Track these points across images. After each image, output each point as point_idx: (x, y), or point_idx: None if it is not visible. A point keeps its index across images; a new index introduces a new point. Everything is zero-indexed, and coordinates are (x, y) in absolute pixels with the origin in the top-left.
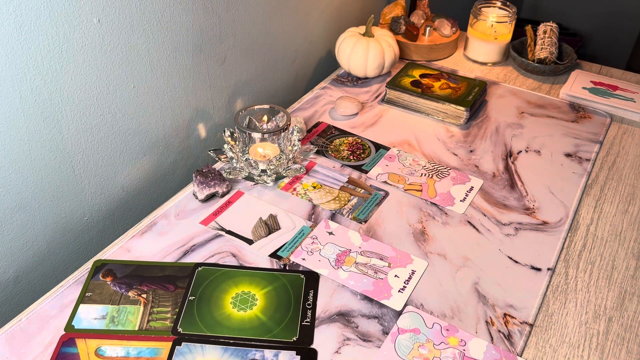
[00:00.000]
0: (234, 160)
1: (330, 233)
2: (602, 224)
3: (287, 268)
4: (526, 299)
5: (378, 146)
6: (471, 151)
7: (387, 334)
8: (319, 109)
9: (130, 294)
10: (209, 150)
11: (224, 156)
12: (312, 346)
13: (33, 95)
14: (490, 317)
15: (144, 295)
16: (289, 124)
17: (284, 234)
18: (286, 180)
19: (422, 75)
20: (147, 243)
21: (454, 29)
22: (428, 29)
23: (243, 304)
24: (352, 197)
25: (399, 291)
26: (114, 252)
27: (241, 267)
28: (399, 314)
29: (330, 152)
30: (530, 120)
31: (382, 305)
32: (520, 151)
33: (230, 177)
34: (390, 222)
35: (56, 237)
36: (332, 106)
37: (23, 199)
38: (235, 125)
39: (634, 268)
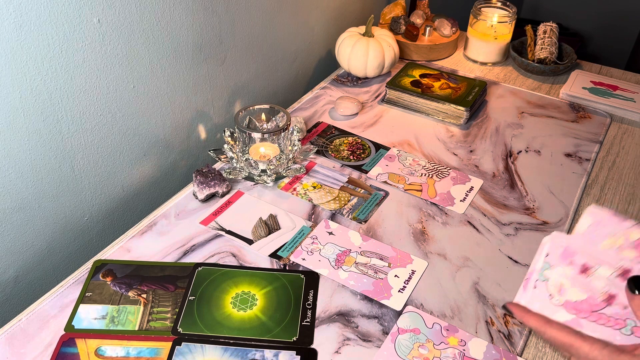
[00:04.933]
0: (234, 160)
1: (330, 233)
2: None
3: (287, 268)
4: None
5: (378, 146)
6: (471, 151)
7: (387, 334)
8: (319, 109)
9: (130, 294)
10: (209, 150)
11: (224, 156)
12: (312, 346)
13: (33, 95)
14: (490, 317)
15: (144, 295)
16: (289, 124)
17: (284, 234)
18: (286, 180)
19: (422, 75)
20: (147, 243)
21: (454, 29)
22: (428, 29)
23: (243, 304)
24: (352, 197)
25: (399, 291)
26: (114, 252)
27: (241, 267)
28: (399, 314)
29: (330, 152)
30: (530, 120)
31: (382, 305)
32: (520, 151)
33: (230, 177)
34: (390, 222)
35: (56, 237)
36: (332, 106)
37: (23, 199)
38: (235, 125)
39: None
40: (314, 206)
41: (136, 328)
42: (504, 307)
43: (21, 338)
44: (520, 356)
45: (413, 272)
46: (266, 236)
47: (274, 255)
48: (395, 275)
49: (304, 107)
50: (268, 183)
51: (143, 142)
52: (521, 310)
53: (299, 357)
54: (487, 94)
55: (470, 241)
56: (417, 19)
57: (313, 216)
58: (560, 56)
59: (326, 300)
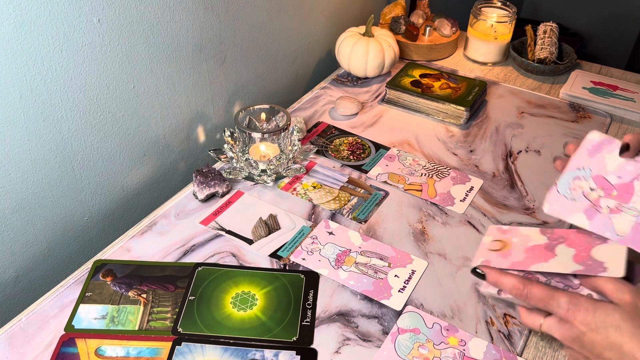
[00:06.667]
0: (234, 160)
1: (330, 233)
2: None
3: (287, 268)
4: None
5: (378, 146)
6: (471, 151)
7: (387, 334)
8: (319, 109)
9: (130, 294)
10: (209, 150)
11: (224, 156)
12: (312, 346)
13: (33, 95)
14: (490, 317)
15: (144, 295)
16: (289, 124)
17: (284, 234)
18: (286, 180)
19: (422, 75)
20: (147, 243)
21: (454, 29)
22: (428, 29)
23: (243, 304)
24: (352, 197)
25: (399, 291)
26: (114, 252)
27: (241, 267)
28: (399, 313)
29: (330, 152)
30: (530, 120)
31: (382, 305)
32: (520, 151)
33: (230, 177)
34: (390, 222)
35: (56, 237)
36: (332, 106)
37: (23, 199)
38: (235, 125)
39: None
40: (314, 206)
41: (136, 328)
42: (474, 270)
43: (21, 338)
44: (520, 356)
45: (413, 272)
46: (266, 236)
47: (274, 255)
48: (395, 275)
49: (304, 107)
50: (268, 183)
51: (143, 142)
52: (496, 273)
53: (299, 357)
54: (487, 94)
55: (470, 241)
56: (417, 19)
57: (313, 216)
58: (560, 56)
59: (326, 300)
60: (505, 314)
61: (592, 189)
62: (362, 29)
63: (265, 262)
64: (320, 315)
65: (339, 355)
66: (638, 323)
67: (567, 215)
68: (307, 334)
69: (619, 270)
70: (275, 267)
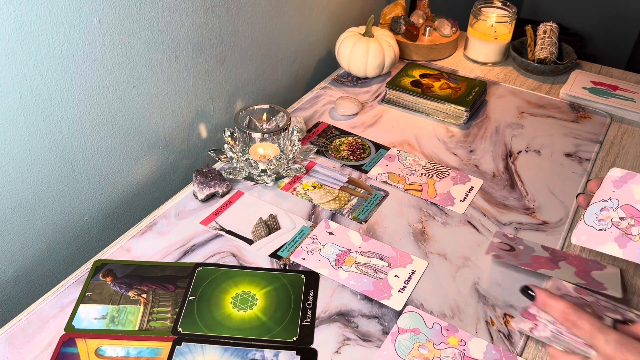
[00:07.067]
0: (234, 160)
1: (330, 233)
2: None
3: (287, 268)
4: (526, 298)
5: (378, 146)
6: (471, 151)
7: (387, 333)
8: (319, 109)
9: (130, 294)
10: (209, 150)
11: (224, 156)
12: (312, 346)
13: (33, 95)
14: (490, 317)
15: (144, 295)
16: (289, 124)
17: (284, 234)
18: (286, 180)
19: (422, 75)
20: (147, 243)
21: (454, 29)
22: (428, 29)
23: (243, 304)
24: (352, 197)
25: (399, 291)
26: (114, 252)
27: (241, 267)
28: (399, 313)
29: (330, 152)
30: (530, 120)
31: (382, 305)
32: (520, 151)
33: (230, 177)
34: (390, 222)
35: (56, 237)
36: (332, 106)
37: (23, 199)
38: (235, 125)
39: (635, 267)
40: (314, 206)
41: (136, 328)
42: (526, 288)
43: (21, 338)
44: (520, 356)
45: (413, 272)
46: (266, 236)
47: (274, 255)
48: (395, 275)
49: (304, 107)
50: (268, 183)
51: (143, 142)
52: (546, 295)
53: (299, 357)
54: (487, 94)
55: (470, 241)
56: (417, 19)
57: (313, 216)
58: (560, 56)
59: (326, 300)
60: (505, 314)
61: (621, 218)
62: (362, 29)
63: (265, 262)
64: (320, 315)
65: (339, 355)
66: None
67: (598, 245)
68: (307, 334)
69: (617, 292)
70: (275, 267)
